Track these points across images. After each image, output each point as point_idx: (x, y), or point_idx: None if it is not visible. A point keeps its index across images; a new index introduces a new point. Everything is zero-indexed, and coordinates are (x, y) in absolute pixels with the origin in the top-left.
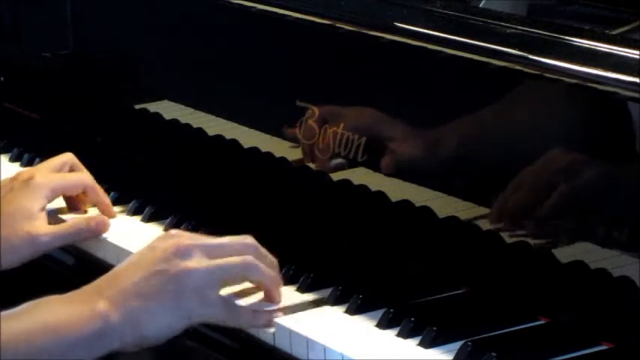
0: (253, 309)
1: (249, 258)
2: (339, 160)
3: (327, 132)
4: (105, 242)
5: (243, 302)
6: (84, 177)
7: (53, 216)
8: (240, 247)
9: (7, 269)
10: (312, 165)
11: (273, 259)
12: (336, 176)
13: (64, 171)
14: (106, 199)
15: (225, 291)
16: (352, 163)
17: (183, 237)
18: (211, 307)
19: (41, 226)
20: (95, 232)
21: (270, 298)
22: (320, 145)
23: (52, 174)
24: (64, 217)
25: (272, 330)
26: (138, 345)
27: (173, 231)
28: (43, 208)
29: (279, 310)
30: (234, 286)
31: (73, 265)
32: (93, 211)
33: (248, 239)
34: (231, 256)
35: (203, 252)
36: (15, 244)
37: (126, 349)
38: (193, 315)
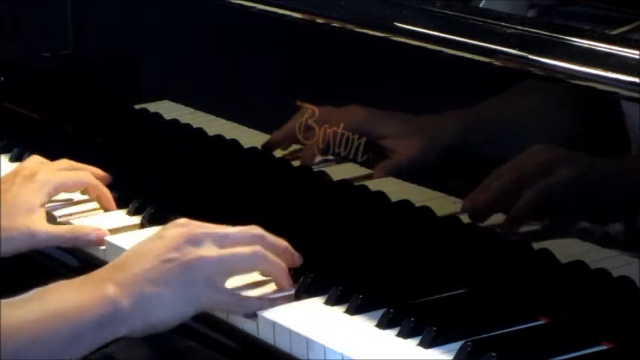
0: (261, 297)
1: (259, 249)
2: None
3: (326, 132)
4: (105, 243)
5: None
6: (84, 176)
7: (49, 215)
8: (249, 238)
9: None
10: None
11: (282, 243)
12: (336, 176)
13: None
14: (107, 194)
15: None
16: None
17: (193, 225)
18: (220, 294)
19: (40, 223)
20: (93, 243)
21: (280, 286)
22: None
23: (55, 171)
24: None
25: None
26: (146, 331)
27: (182, 220)
28: (43, 204)
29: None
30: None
31: (75, 266)
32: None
33: (255, 229)
34: (240, 245)
35: (213, 241)
36: (13, 236)
37: (133, 335)
38: (202, 302)
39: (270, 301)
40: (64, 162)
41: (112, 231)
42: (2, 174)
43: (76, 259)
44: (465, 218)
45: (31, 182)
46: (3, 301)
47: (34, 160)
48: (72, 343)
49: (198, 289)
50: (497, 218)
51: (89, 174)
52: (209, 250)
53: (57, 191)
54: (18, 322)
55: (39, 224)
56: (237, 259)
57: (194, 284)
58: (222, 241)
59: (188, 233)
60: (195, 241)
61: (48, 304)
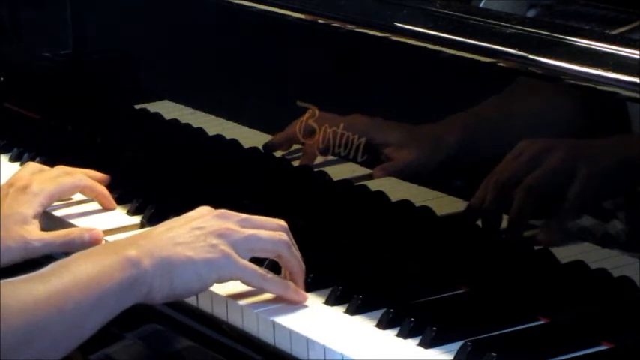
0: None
1: (284, 235)
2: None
3: (327, 132)
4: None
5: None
6: (77, 180)
7: (49, 216)
8: (275, 226)
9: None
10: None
11: (298, 253)
12: (336, 176)
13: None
14: (105, 192)
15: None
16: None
17: (217, 210)
18: (244, 265)
19: (34, 232)
20: (88, 244)
21: (294, 280)
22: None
23: (47, 182)
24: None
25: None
26: (166, 296)
27: (206, 207)
28: (36, 216)
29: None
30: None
31: None
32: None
33: (281, 222)
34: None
35: (238, 222)
36: (9, 246)
37: (154, 300)
38: (224, 272)
39: (294, 292)
40: (59, 169)
41: (112, 231)
42: (2, 174)
43: None
44: (465, 218)
45: (24, 194)
46: (23, 276)
47: (28, 170)
48: (96, 309)
49: (222, 256)
50: (497, 218)
51: (83, 176)
52: (234, 226)
53: (51, 200)
54: (41, 296)
55: (33, 233)
56: (261, 238)
57: (218, 250)
58: (245, 224)
59: (214, 212)
60: (221, 216)
61: (70, 274)
